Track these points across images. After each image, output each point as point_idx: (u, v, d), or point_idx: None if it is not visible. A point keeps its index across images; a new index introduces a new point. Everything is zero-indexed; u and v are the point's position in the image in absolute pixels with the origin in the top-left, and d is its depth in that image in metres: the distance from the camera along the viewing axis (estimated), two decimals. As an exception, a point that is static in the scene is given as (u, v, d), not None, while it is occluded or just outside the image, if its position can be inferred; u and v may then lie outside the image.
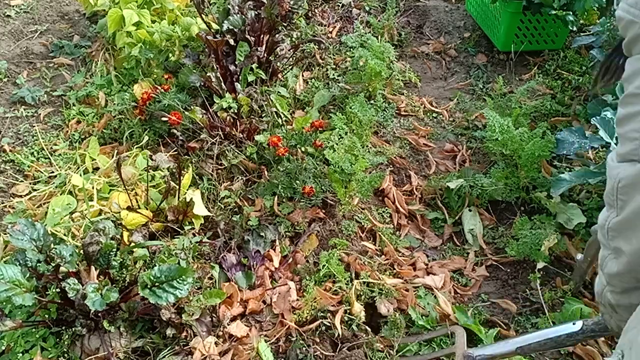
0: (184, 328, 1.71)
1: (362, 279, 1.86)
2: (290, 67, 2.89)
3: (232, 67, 2.58)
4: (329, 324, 1.74)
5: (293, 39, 2.92)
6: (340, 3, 3.66)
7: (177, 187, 2.07)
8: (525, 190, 2.24)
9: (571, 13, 2.79)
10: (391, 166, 2.45)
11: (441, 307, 1.81)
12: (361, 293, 1.82)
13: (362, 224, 2.14)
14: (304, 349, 1.68)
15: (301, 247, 2.04)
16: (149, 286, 1.55)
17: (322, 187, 2.17)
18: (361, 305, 1.78)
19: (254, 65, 2.62)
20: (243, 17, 2.66)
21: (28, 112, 2.72)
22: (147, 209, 2.05)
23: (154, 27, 2.75)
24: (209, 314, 1.75)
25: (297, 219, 2.10)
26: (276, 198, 2.17)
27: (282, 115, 2.56)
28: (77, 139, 2.54)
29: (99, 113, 2.66)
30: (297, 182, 2.16)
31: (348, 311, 1.77)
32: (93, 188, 2.15)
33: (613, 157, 0.93)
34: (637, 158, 0.85)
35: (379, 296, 1.82)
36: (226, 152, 2.33)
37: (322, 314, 1.76)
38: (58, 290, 1.57)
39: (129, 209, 2.01)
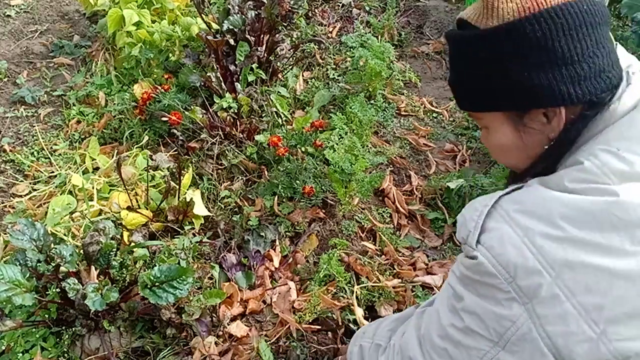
0: (184, 328, 1.71)
1: (363, 283, 1.86)
2: (290, 67, 2.89)
3: (232, 67, 2.58)
4: (330, 326, 1.74)
5: (293, 39, 2.92)
6: (340, 3, 3.66)
7: (177, 187, 2.07)
8: (525, 190, 2.24)
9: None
10: (391, 166, 2.45)
11: (441, 307, 1.81)
12: (361, 297, 1.82)
13: (362, 224, 2.14)
14: (304, 349, 1.68)
15: (301, 247, 2.04)
16: (149, 286, 1.55)
17: (322, 187, 2.17)
18: (363, 311, 1.78)
19: (254, 65, 2.62)
20: (243, 17, 2.66)
21: (28, 112, 2.72)
22: (147, 209, 2.05)
23: (154, 27, 2.75)
24: (209, 314, 1.75)
25: (297, 219, 2.10)
26: (276, 198, 2.17)
27: (282, 115, 2.56)
28: (77, 139, 2.54)
29: (99, 113, 2.66)
30: (297, 182, 2.16)
31: (349, 313, 1.77)
32: (93, 188, 2.15)
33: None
34: None
35: (379, 299, 1.82)
36: (226, 152, 2.33)
37: (323, 316, 1.77)
38: (58, 290, 1.57)
39: (129, 209, 2.01)
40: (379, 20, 3.39)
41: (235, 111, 2.44)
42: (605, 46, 0.85)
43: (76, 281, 1.56)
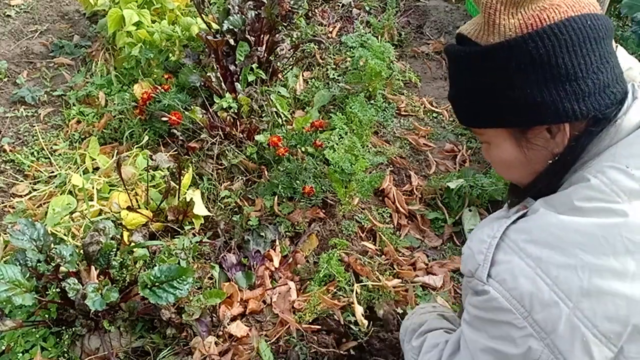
0: (184, 328, 1.71)
1: (363, 283, 1.86)
2: (290, 67, 2.89)
3: (232, 67, 2.58)
4: (330, 326, 1.74)
5: (293, 39, 2.92)
6: (340, 3, 3.66)
7: (177, 187, 2.07)
8: (525, 190, 2.24)
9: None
10: (391, 166, 2.45)
11: (441, 307, 1.81)
12: (361, 297, 1.82)
13: (362, 224, 2.14)
14: (304, 348, 1.68)
15: (301, 247, 2.04)
16: (149, 286, 1.55)
17: (322, 187, 2.17)
18: (363, 310, 1.78)
19: (254, 65, 2.62)
20: (243, 17, 2.66)
21: (28, 112, 2.72)
22: (147, 209, 2.05)
23: (154, 27, 2.75)
24: (209, 314, 1.75)
25: (297, 218, 2.10)
26: (276, 198, 2.17)
27: (282, 115, 2.56)
28: (77, 138, 2.54)
29: (99, 113, 2.66)
30: (297, 182, 2.16)
31: (351, 313, 1.77)
32: (93, 188, 2.15)
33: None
34: None
35: (378, 299, 1.82)
36: (226, 152, 2.33)
37: (323, 316, 1.77)
38: (58, 290, 1.57)
39: (129, 209, 2.01)
40: (379, 20, 3.39)
41: (235, 111, 2.44)
42: (610, 61, 0.83)
43: (76, 281, 1.56)
